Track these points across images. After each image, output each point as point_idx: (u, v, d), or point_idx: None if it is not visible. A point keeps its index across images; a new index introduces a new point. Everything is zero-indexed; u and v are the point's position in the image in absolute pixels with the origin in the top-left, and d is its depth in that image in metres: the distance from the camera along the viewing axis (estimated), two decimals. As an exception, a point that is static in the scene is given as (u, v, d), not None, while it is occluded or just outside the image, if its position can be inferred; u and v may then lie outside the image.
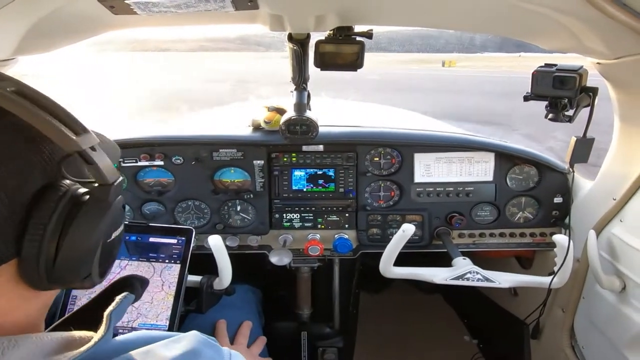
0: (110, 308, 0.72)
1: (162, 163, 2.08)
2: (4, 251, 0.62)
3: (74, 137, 0.63)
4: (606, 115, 1.72)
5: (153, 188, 2.13)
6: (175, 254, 1.64)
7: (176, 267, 1.63)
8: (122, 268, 1.62)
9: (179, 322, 1.60)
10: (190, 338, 0.77)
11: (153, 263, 1.63)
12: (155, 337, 0.75)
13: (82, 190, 0.68)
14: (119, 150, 0.96)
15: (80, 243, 0.68)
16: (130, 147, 2.05)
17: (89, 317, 0.76)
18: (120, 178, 0.71)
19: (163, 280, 1.61)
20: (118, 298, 0.75)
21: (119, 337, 0.73)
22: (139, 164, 2.07)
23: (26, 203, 0.63)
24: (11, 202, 0.61)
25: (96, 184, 0.68)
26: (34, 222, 0.63)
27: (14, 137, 0.63)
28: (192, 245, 1.65)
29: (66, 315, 0.85)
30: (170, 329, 1.55)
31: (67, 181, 0.67)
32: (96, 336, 0.66)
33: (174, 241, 1.65)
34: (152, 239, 1.65)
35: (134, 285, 0.84)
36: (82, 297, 1.56)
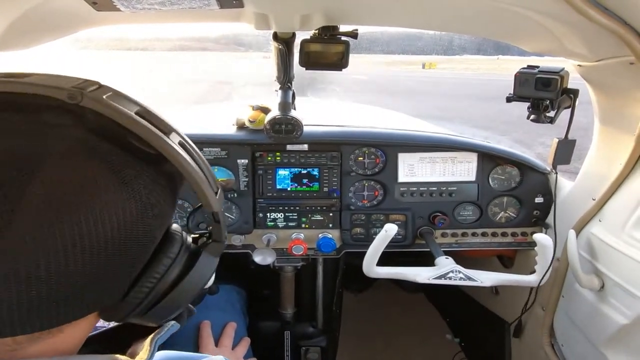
0: (157, 336, 0.71)
1: None
2: (113, 295, 0.62)
3: (216, 199, 0.67)
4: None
5: None
6: None
7: None
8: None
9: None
10: None
11: None
12: (182, 358, 0.75)
13: (198, 242, 0.71)
14: None
15: (183, 293, 0.68)
16: None
17: (120, 337, 0.76)
18: (226, 234, 0.72)
19: (145, 280, 1.59)
20: (166, 326, 0.74)
21: None
22: None
23: (152, 249, 0.64)
24: (143, 244, 0.61)
25: (211, 240, 0.71)
26: (151, 271, 0.64)
27: (165, 183, 0.64)
28: None
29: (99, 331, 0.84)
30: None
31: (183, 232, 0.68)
32: None
33: None
34: None
35: (182, 314, 0.81)
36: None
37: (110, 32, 1.67)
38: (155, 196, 0.61)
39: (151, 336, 0.70)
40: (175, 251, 0.65)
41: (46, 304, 0.55)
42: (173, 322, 0.77)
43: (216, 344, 1.76)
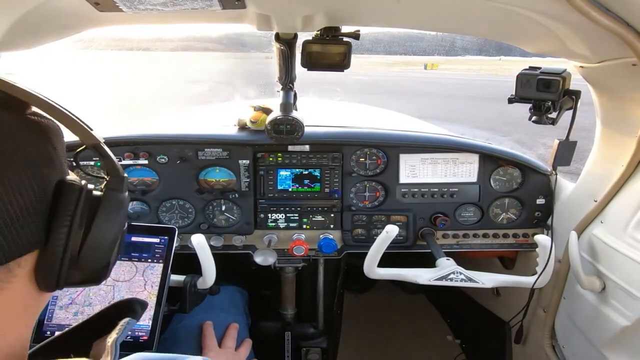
0: (114, 336, 0.69)
1: (146, 162, 2.06)
2: (34, 237, 0.61)
3: (92, 131, 0.66)
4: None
5: (137, 187, 2.10)
6: (158, 253, 1.62)
7: (159, 267, 1.61)
8: (103, 268, 1.59)
9: (162, 323, 1.58)
10: None
11: (135, 262, 1.61)
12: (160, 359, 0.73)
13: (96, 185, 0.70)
14: None
15: (104, 232, 0.68)
16: (114, 146, 2.02)
17: (81, 338, 0.75)
18: (126, 174, 0.73)
19: (145, 280, 1.59)
20: (120, 324, 0.73)
21: None
22: (123, 162, 2.04)
23: (50, 195, 0.63)
24: (38, 191, 0.61)
25: (109, 177, 0.70)
26: (61, 212, 0.63)
27: (36, 132, 0.63)
28: (174, 244, 1.64)
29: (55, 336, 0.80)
30: (154, 329, 1.54)
31: (75, 177, 0.67)
32: None
33: (156, 240, 1.64)
34: (134, 238, 1.63)
35: (135, 309, 0.80)
36: (64, 298, 1.53)
37: (112, 33, 1.66)
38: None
39: (110, 337, 0.69)
40: (75, 195, 0.64)
41: None
42: (128, 318, 0.75)
43: (219, 345, 1.76)
